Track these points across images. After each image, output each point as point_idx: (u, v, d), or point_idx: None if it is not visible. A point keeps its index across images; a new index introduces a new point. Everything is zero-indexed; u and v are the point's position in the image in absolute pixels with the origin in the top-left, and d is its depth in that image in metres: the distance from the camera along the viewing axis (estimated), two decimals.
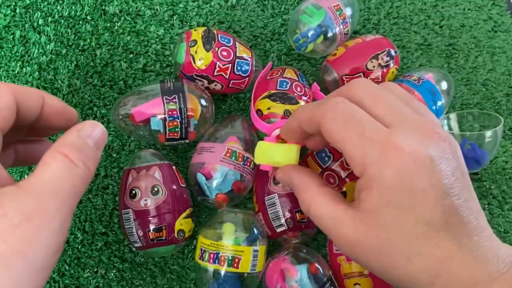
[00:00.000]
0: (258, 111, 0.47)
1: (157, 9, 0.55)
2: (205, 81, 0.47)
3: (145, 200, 0.41)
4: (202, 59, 0.46)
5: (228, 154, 0.44)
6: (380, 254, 0.26)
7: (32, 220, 0.20)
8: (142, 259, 0.46)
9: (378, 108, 0.28)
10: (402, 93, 0.30)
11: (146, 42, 0.53)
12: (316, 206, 0.30)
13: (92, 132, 0.25)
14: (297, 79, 0.48)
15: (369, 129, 0.26)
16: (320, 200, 0.30)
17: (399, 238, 0.25)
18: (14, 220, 0.19)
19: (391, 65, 0.51)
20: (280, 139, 0.45)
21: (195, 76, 0.47)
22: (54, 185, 0.21)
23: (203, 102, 0.45)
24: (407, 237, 0.25)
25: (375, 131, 0.26)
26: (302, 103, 0.46)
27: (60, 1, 0.53)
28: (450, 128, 0.52)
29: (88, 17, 0.53)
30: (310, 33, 0.52)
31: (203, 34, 0.47)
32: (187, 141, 0.46)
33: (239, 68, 0.47)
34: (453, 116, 0.49)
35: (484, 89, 0.59)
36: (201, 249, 0.41)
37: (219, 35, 0.47)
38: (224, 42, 0.47)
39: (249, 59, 0.48)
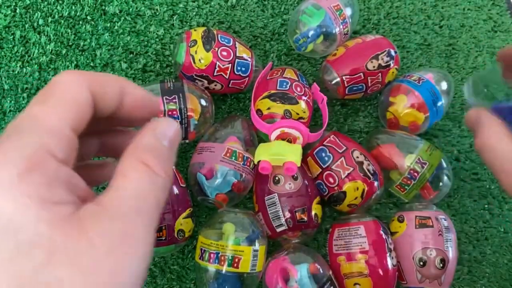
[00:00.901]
0: (258, 111, 0.47)
1: (157, 9, 0.55)
2: (205, 81, 0.47)
3: None
4: (202, 59, 0.46)
5: (228, 154, 0.44)
6: None
7: (120, 248, 0.17)
8: None
9: None
10: None
11: (146, 42, 0.53)
12: (495, 138, 0.32)
13: (168, 132, 0.22)
14: (297, 79, 0.48)
15: None
16: (501, 134, 0.32)
17: None
18: (101, 249, 0.17)
19: (391, 65, 0.51)
20: (281, 139, 0.45)
21: (195, 76, 0.47)
22: (138, 202, 0.18)
23: (203, 102, 0.45)
24: None
25: None
26: (302, 103, 0.46)
27: (60, 1, 0.53)
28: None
29: (88, 17, 0.53)
30: (310, 33, 0.52)
31: (203, 34, 0.47)
32: (187, 141, 0.46)
33: (239, 68, 0.47)
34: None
35: (484, 89, 0.59)
36: (201, 249, 0.41)
37: (219, 35, 0.47)
38: (224, 42, 0.47)
39: (249, 59, 0.48)
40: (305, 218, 0.44)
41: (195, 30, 0.48)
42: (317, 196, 0.46)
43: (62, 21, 0.52)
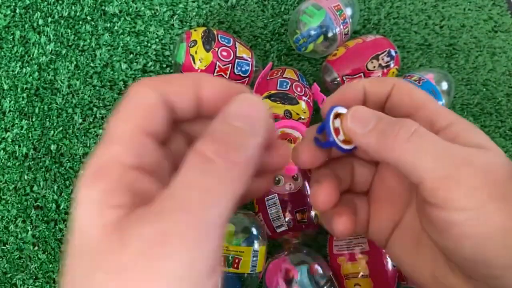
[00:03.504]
0: None
1: (157, 10, 0.55)
2: None
3: None
4: (202, 59, 0.46)
5: None
6: None
7: (154, 250, 0.15)
8: None
9: None
10: None
11: (146, 43, 0.53)
12: None
13: (243, 110, 0.18)
14: (297, 79, 0.48)
15: None
16: None
17: None
18: (133, 253, 0.15)
19: (392, 65, 0.51)
20: (282, 139, 0.45)
21: None
22: (183, 197, 0.15)
23: None
24: None
25: None
26: (303, 103, 0.46)
27: (60, 2, 0.53)
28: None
29: (88, 18, 0.53)
30: (311, 33, 0.52)
31: (203, 34, 0.47)
32: None
33: (239, 68, 0.47)
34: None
35: (484, 89, 0.59)
36: None
37: (219, 35, 0.47)
38: (224, 42, 0.47)
39: (249, 59, 0.48)
40: (305, 219, 0.44)
41: (195, 30, 0.48)
42: None
43: (62, 21, 0.52)
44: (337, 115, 0.22)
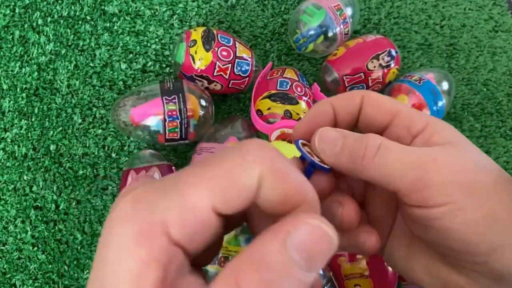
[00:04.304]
0: (258, 112, 0.47)
1: (156, 9, 0.55)
2: (205, 81, 0.47)
3: None
4: (201, 59, 0.46)
5: None
6: None
7: None
8: None
9: None
10: None
11: (145, 42, 0.53)
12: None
13: (305, 240, 0.14)
14: (297, 79, 0.48)
15: None
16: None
17: None
18: None
19: (392, 65, 0.51)
20: (281, 140, 0.45)
21: (194, 76, 0.47)
22: None
23: (203, 102, 0.45)
24: None
25: None
26: (303, 103, 0.46)
27: (60, 1, 0.53)
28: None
29: (88, 17, 0.53)
30: (311, 33, 0.52)
31: (202, 34, 0.47)
32: (187, 141, 0.46)
33: (239, 68, 0.47)
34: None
35: (485, 89, 0.59)
36: None
37: (219, 35, 0.47)
38: (224, 42, 0.47)
39: (249, 59, 0.48)
40: None
41: (194, 30, 0.48)
42: None
43: (62, 21, 0.52)
44: (304, 145, 0.23)
